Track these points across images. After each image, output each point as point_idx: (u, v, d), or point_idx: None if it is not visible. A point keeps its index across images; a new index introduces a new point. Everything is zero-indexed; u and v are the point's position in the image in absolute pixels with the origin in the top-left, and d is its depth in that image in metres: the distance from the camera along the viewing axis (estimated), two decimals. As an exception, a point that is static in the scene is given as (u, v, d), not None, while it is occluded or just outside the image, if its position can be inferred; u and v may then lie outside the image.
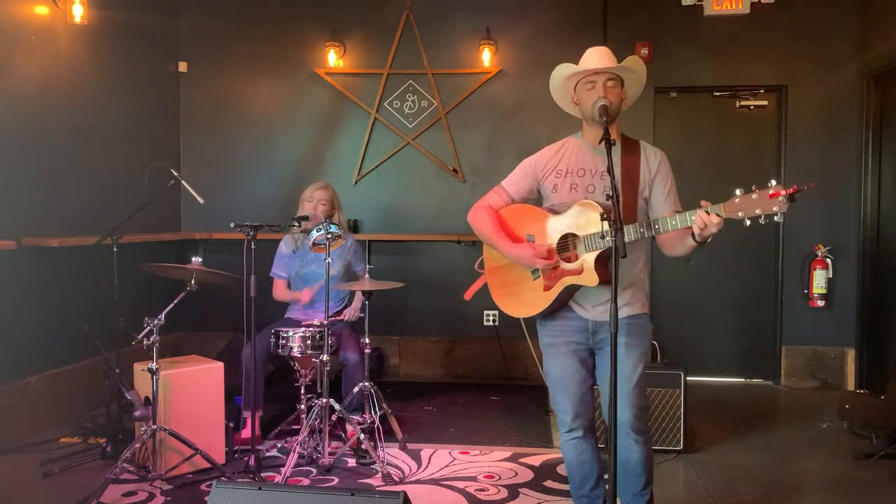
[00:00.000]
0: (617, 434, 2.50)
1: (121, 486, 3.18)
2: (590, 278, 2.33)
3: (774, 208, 1.98)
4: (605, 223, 2.11)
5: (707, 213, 2.10)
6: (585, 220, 2.35)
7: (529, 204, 2.60)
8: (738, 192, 2.06)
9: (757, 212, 2.01)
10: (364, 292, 3.72)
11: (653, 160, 2.46)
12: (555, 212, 2.48)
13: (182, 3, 5.58)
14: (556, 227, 2.44)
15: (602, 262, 2.32)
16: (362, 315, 4.09)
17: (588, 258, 2.34)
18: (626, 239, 2.18)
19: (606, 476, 2.62)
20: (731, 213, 2.07)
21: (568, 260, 2.40)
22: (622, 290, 2.42)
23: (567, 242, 2.41)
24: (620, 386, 2.42)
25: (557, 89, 2.55)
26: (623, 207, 2.32)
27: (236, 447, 3.61)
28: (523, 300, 2.52)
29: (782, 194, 1.97)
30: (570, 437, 2.51)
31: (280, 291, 4.18)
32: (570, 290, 2.42)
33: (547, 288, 2.44)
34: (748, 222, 2.04)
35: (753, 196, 2.02)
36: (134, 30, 4.98)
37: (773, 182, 2.01)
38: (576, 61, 2.46)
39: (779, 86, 5.24)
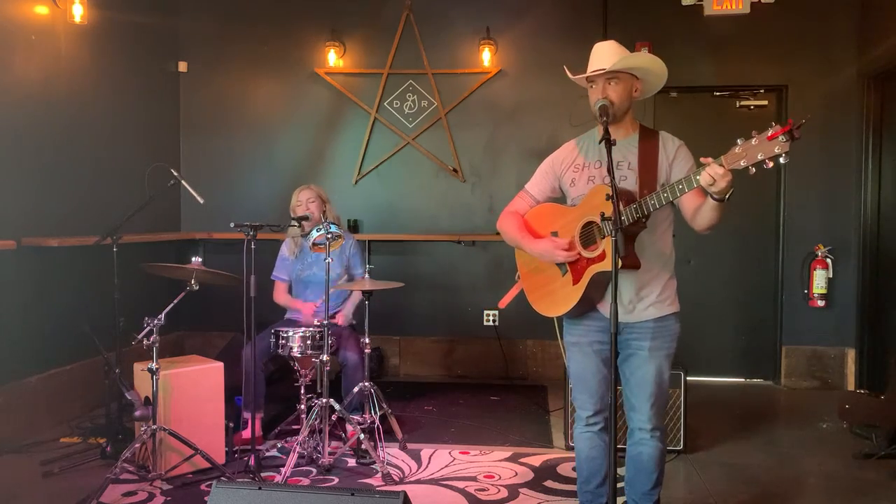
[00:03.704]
0: (633, 430, 2.50)
1: (121, 486, 3.18)
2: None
3: (776, 149, 1.96)
4: (609, 203, 2.11)
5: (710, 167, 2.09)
6: (599, 203, 2.32)
7: (552, 203, 2.61)
8: (739, 141, 2.05)
9: (759, 156, 1.99)
10: (364, 292, 3.71)
11: (671, 146, 2.47)
12: (575, 205, 2.49)
13: (182, 3, 5.58)
14: (575, 219, 2.45)
15: (624, 245, 2.26)
16: (354, 322, 4.11)
17: (608, 242, 2.29)
18: (644, 213, 2.22)
19: (622, 472, 2.62)
20: (734, 164, 2.04)
21: (593, 250, 2.39)
22: (651, 283, 2.42)
23: (591, 232, 2.40)
24: (642, 387, 2.43)
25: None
26: (645, 194, 2.29)
27: (236, 447, 3.61)
28: (556, 298, 2.52)
29: (781, 133, 1.96)
30: (585, 431, 2.53)
31: (281, 295, 4.18)
32: (599, 280, 2.38)
33: (575, 281, 2.43)
34: (753, 170, 2.02)
35: (753, 141, 2.01)
36: (134, 30, 4.98)
37: (773, 124, 1.99)
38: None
39: (779, 86, 5.23)
